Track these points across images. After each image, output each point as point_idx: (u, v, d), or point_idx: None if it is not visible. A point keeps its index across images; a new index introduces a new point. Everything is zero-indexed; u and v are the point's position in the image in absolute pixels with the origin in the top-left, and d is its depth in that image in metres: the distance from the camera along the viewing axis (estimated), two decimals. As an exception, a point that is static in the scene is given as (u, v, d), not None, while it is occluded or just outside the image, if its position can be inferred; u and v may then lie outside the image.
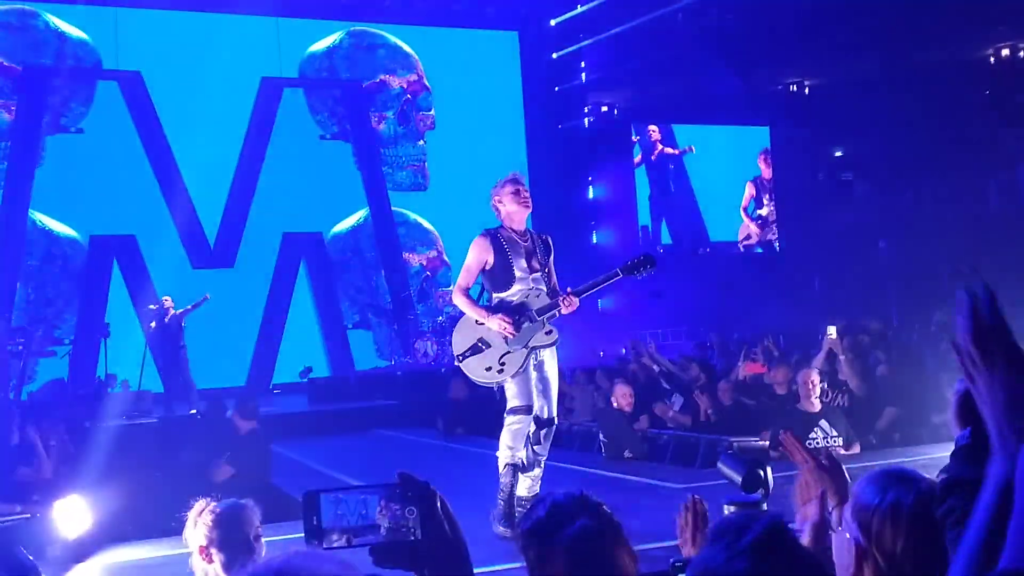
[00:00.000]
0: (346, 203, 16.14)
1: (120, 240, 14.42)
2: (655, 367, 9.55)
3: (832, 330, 7.69)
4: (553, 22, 16.71)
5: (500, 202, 5.09)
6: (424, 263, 16.46)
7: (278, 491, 6.39)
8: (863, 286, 13.25)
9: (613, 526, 1.62)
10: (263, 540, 3.11)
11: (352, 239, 16.23)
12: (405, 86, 16.58)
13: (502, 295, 4.93)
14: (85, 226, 14.42)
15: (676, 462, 7.40)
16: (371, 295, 16.23)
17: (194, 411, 10.75)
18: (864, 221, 15.67)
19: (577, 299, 4.90)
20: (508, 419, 4.87)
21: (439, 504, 1.22)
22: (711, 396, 8.21)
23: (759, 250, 14.96)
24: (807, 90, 17.33)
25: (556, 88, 17.26)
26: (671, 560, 2.31)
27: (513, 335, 4.79)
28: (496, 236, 5.00)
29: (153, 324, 12.03)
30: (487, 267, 4.95)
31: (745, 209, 14.18)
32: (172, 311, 11.86)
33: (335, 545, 1.20)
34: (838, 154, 17.59)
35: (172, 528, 3.28)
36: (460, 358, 4.89)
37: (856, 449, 6.37)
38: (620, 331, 15.94)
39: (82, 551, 4.93)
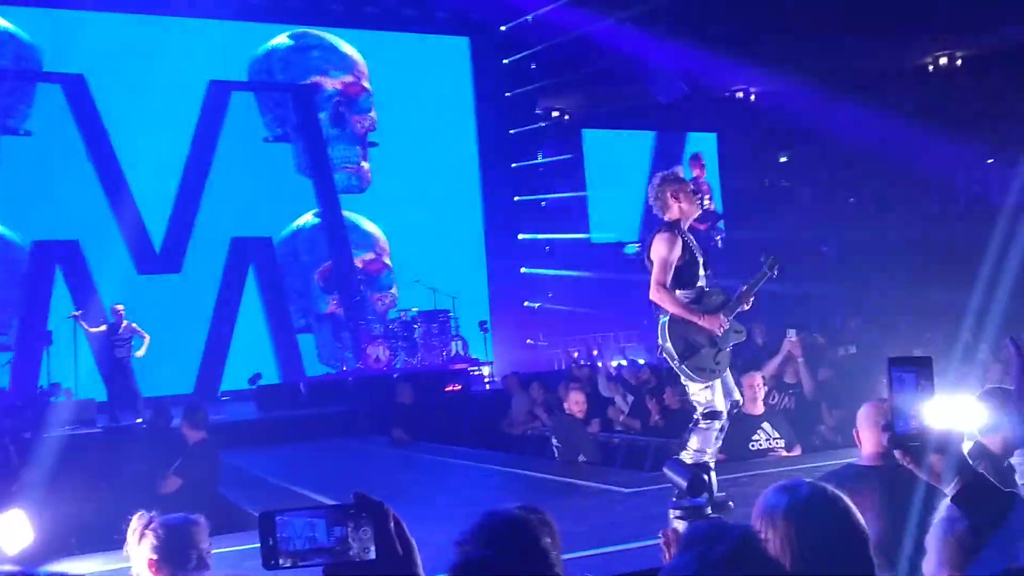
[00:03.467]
0: (294, 207, 16.01)
1: (63, 245, 14.14)
2: (609, 371, 9.65)
3: (792, 333, 7.74)
4: (503, 28, 16.77)
5: (675, 198, 4.91)
6: (360, 265, 16.32)
7: (227, 502, 6.32)
8: (807, 290, 13.50)
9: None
10: (212, 552, 3.09)
11: (291, 243, 16.07)
12: (339, 87, 16.45)
13: (684, 291, 4.87)
14: (27, 231, 14.11)
15: (627, 465, 7.50)
16: (309, 300, 16.08)
17: (140, 420, 10.57)
18: (808, 226, 15.98)
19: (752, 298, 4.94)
20: (705, 423, 4.82)
21: (392, 523, 1.24)
22: (659, 400, 8.33)
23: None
24: (753, 97, 17.63)
25: (507, 93, 17.32)
26: None
27: (720, 335, 4.81)
28: (683, 233, 4.89)
29: (104, 327, 11.75)
30: (677, 263, 4.84)
31: None
32: (124, 319, 11.64)
33: (292, 566, 1.21)
34: (783, 160, 17.93)
35: (117, 541, 3.25)
36: (681, 359, 4.80)
37: (798, 451, 6.51)
38: (574, 334, 16.05)
39: (23, 567, 4.83)
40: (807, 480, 1.87)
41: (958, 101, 15.10)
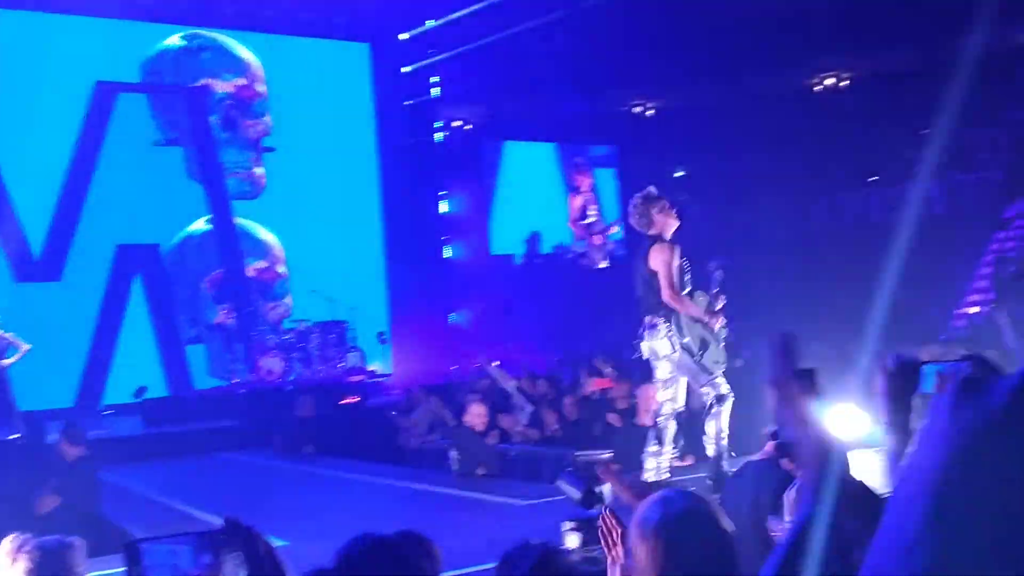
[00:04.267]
0: (185, 213, 15.49)
1: (-68, 250, 13.34)
2: (510, 382, 9.68)
3: None
4: (403, 36, 16.67)
5: (660, 213, 5.53)
6: (253, 274, 15.90)
7: (108, 523, 6.06)
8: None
9: None
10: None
11: (180, 251, 15.52)
12: (231, 90, 16.02)
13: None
14: None
15: (524, 477, 7.53)
16: (199, 309, 15.57)
17: (15, 435, 10.04)
18: (702, 240, 16.40)
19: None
20: (716, 408, 5.44)
21: (262, 547, 1.23)
22: (557, 411, 8.39)
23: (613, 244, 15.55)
24: (651, 112, 18.01)
25: (407, 102, 17.21)
26: None
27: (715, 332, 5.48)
28: (674, 244, 5.52)
29: None
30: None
31: (575, 221, 14.84)
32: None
33: None
34: (679, 175, 18.36)
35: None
36: (701, 354, 5.43)
37: (690, 460, 6.66)
38: (471, 346, 16.03)
39: None
40: (686, 491, 1.93)
41: (843, 121, 15.76)
